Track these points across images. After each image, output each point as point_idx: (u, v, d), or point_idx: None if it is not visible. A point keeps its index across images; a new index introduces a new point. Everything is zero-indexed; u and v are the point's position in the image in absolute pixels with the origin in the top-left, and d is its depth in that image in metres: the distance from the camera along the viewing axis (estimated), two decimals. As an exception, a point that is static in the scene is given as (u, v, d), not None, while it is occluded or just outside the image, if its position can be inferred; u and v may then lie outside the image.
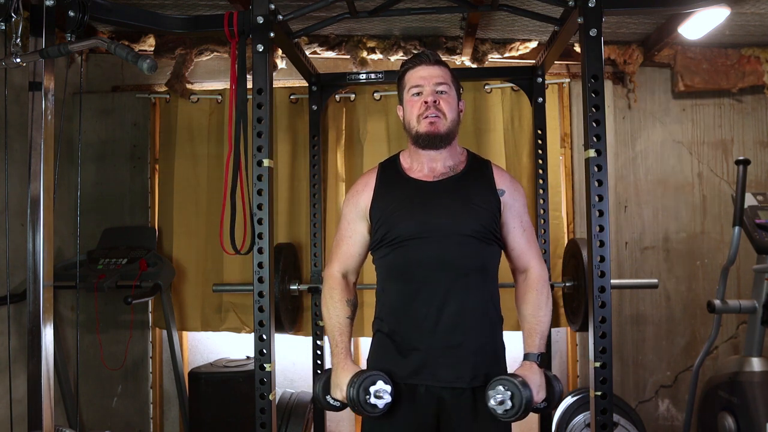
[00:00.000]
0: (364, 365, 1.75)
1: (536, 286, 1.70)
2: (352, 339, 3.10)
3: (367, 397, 1.53)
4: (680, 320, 3.12)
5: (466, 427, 1.60)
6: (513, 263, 1.76)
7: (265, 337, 1.93)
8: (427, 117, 1.64)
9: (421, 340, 1.61)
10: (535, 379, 1.56)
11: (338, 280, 1.74)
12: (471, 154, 1.80)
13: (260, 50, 1.98)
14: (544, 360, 1.67)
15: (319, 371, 2.96)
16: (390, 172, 1.76)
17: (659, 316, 3.12)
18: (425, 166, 1.71)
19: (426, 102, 1.64)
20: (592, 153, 1.89)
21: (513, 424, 1.67)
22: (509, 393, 1.50)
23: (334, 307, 1.71)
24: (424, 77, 1.66)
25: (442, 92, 1.66)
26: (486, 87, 3.08)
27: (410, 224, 1.64)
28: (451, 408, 1.61)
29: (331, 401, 1.64)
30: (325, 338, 3.01)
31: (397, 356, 1.64)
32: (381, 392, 1.54)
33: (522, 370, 1.59)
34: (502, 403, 1.50)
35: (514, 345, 3.06)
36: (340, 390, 1.59)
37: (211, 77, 3.25)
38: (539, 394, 1.56)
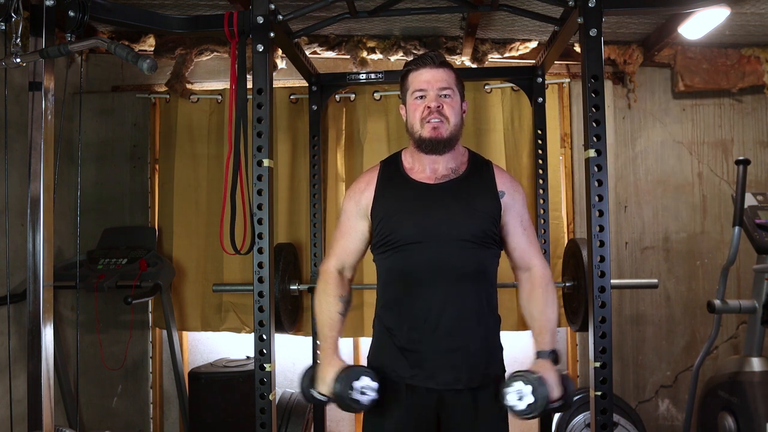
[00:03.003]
0: (364, 364, 1.75)
1: (541, 283, 1.70)
2: (352, 339, 3.14)
3: (351, 392, 1.52)
4: (680, 320, 3.12)
5: (466, 426, 1.61)
6: (515, 262, 1.76)
7: (265, 337, 1.94)
8: (430, 122, 1.62)
9: (420, 343, 1.61)
10: (551, 377, 1.54)
11: (333, 275, 1.74)
12: (472, 154, 1.79)
13: (260, 50, 1.98)
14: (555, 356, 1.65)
15: (319, 371, 2.96)
16: (392, 171, 1.75)
17: (659, 316, 3.12)
18: (427, 167, 1.70)
19: (429, 107, 1.63)
20: (592, 153, 1.90)
21: (512, 424, 1.67)
22: (530, 388, 1.47)
23: (326, 301, 1.70)
24: (428, 81, 1.64)
25: (445, 96, 1.64)
26: (486, 87, 3.08)
27: (411, 228, 1.64)
28: (451, 406, 1.61)
29: (317, 395, 1.62)
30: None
31: (396, 356, 1.64)
32: (366, 389, 1.53)
33: (537, 367, 1.56)
34: (521, 398, 1.47)
35: (513, 345, 3.09)
36: (325, 385, 1.58)
37: (211, 77, 3.25)
38: (555, 392, 1.53)
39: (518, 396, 1.48)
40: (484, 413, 1.61)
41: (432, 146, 1.64)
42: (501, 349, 1.72)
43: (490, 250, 1.68)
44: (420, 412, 1.62)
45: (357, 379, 1.53)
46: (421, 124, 1.64)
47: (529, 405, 1.47)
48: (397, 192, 1.70)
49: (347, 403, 1.53)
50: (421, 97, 1.65)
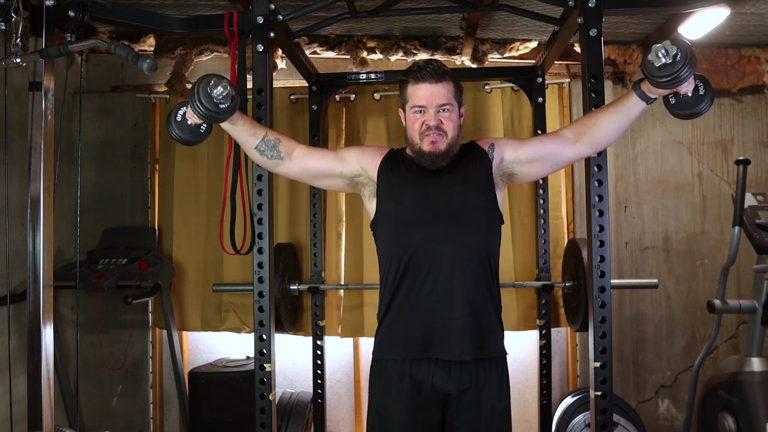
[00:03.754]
0: (365, 365, 1.75)
1: (579, 119, 1.73)
2: (352, 339, 3.14)
3: (208, 93, 1.49)
4: (680, 320, 3.12)
5: (470, 424, 1.61)
6: (560, 148, 1.71)
7: (265, 337, 1.94)
8: (428, 136, 1.66)
9: (427, 316, 1.63)
10: None
11: (292, 139, 1.78)
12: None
13: (260, 50, 1.98)
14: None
15: (319, 371, 2.96)
16: (398, 155, 1.80)
17: (659, 316, 3.12)
18: None
19: (428, 125, 1.66)
20: (592, 153, 1.89)
21: (514, 423, 1.68)
22: (675, 47, 1.44)
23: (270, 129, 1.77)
24: (428, 98, 1.66)
25: (444, 110, 1.67)
26: (486, 87, 3.08)
27: (414, 203, 1.68)
28: (456, 404, 1.62)
29: (179, 117, 1.58)
30: (325, 338, 3.02)
31: (404, 335, 1.65)
32: (221, 91, 1.49)
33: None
34: (666, 53, 1.44)
35: (513, 345, 3.09)
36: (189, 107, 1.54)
37: (211, 77, 3.24)
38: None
39: (663, 52, 1.44)
40: (488, 411, 1.62)
41: (430, 160, 1.68)
42: (503, 329, 1.73)
43: (493, 224, 1.72)
44: (425, 413, 1.62)
45: (209, 82, 1.49)
46: (420, 138, 1.68)
47: (676, 55, 1.43)
48: (402, 171, 1.75)
49: (209, 105, 1.49)
50: (420, 112, 1.68)
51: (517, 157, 1.74)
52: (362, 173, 1.77)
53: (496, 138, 1.85)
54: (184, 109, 1.59)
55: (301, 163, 1.75)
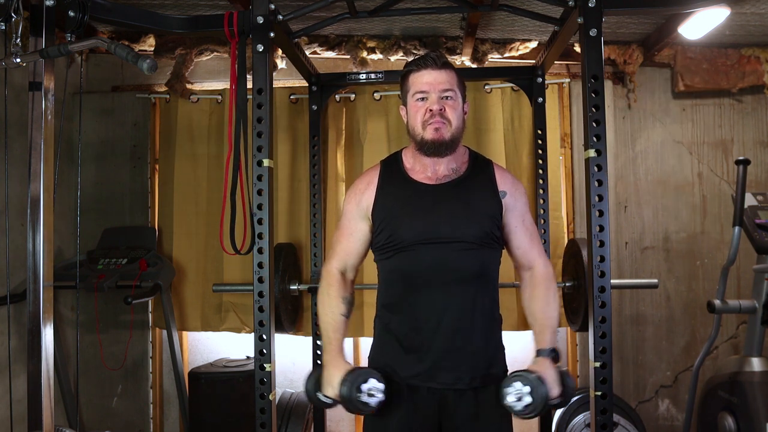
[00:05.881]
0: (365, 365, 1.75)
1: (543, 282, 1.70)
2: (352, 339, 3.14)
3: (359, 395, 1.52)
4: (680, 320, 3.12)
5: (468, 427, 1.60)
6: (517, 261, 1.76)
7: (265, 337, 1.94)
8: (432, 124, 1.62)
9: (422, 343, 1.61)
10: (551, 375, 1.54)
11: (336, 276, 1.73)
12: (473, 153, 1.78)
13: (260, 50, 1.98)
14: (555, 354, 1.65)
15: (319, 371, 2.96)
16: (392, 171, 1.74)
17: (659, 316, 3.12)
18: (428, 168, 1.69)
19: (431, 110, 1.62)
20: (592, 153, 1.90)
21: (514, 423, 1.67)
22: (528, 388, 1.49)
23: (329, 303, 1.69)
24: (430, 83, 1.63)
25: (447, 98, 1.63)
26: (486, 87, 3.08)
27: (412, 230, 1.63)
28: (452, 408, 1.61)
29: (323, 398, 1.62)
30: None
31: (398, 356, 1.64)
32: (373, 390, 1.53)
33: (536, 367, 1.57)
34: (520, 399, 1.49)
35: (513, 345, 3.08)
36: (332, 387, 1.57)
37: (211, 77, 3.25)
38: (554, 390, 1.54)
39: (517, 396, 1.49)
40: (486, 414, 1.61)
41: (434, 149, 1.63)
42: (503, 349, 1.72)
43: (492, 250, 1.68)
44: (422, 413, 1.61)
45: (364, 381, 1.53)
46: (422, 126, 1.63)
47: (527, 405, 1.49)
48: (397, 193, 1.69)
49: (355, 406, 1.53)
50: (423, 99, 1.64)
51: (506, 222, 1.71)
52: (368, 216, 1.72)
53: (517, 186, 1.75)
54: (324, 397, 1.62)
55: (352, 268, 1.76)
